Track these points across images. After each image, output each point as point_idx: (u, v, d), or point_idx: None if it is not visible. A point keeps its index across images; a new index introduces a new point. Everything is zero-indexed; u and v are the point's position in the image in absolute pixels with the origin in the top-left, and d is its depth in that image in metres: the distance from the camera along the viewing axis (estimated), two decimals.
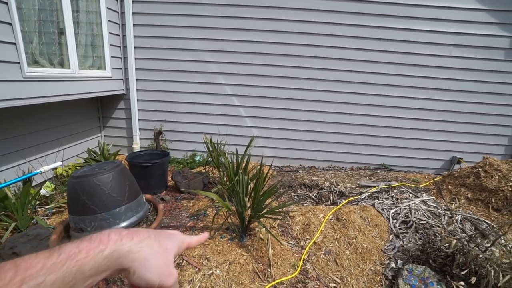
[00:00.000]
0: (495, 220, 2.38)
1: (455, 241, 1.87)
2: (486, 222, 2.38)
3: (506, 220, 2.25)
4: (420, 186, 3.15)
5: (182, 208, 2.72)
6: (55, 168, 2.83)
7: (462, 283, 1.68)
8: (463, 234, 2.25)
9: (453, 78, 3.69)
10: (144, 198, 2.21)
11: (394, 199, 2.73)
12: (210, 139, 3.26)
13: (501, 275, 1.56)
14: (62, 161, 2.64)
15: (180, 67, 3.78)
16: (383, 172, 3.77)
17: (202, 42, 3.66)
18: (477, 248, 1.82)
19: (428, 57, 3.65)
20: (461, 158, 3.98)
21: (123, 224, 1.87)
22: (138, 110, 3.94)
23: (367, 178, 3.38)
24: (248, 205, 2.14)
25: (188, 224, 2.41)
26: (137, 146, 4.02)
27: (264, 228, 1.96)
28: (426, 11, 3.49)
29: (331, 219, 2.41)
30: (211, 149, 3.20)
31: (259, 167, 2.11)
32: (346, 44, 3.61)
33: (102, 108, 3.93)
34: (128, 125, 4.01)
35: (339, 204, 2.66)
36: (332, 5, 3.48)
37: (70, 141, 3.32)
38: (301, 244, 2.21)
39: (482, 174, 2.80)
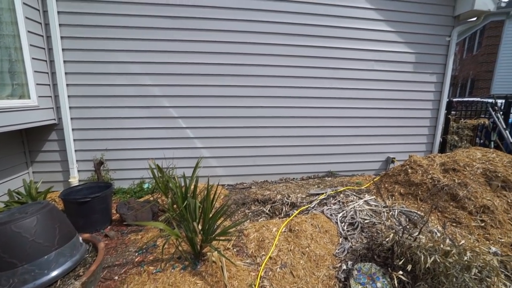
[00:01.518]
0: (422, 209, 2.71)
1: (392, 234, 2.06)
2: (416, 213, 2.68)
3: (428, 208, 2.57)
4: (363, 187, 3.43)
5: (129, 242, 2.50)
6: None
7: (400, 272, 1.85)
8: (399, 227, 2.49)
9: (377, 89, 4.21)
10: (81, 238, 1.98)
11: (340, 203, 2.91)
12: (157, 164, 3.12)
13: (428, 258, 1.76)
14: None
15: (118, 92, 3.59)
16: (330, 178, 4.03)
17: (141, 66, 3.56)
18: (410, 237, 2.03)
19: (356, 71, 4.12)
20: (394, 158, 4.48)
21: (54, 273, 1.64)
22: (74, 140, 3.60)
23: (316, 186, 3.56)
24: (200, 229, 2.07)
25: (136, 260, 2.21)
26: (75, 180, 3.62)
27: (216, 252, 1.91)
28: (352, 32, 3.98)
29: (285, 231, 2.46)
30: (158, 174, 3.06)
31: (206, 189, 2.08)
32: (286, 62, 3.87)
33: (28, 141, 3.48)
34: (63, 158, 3.61)
35: (291, 215, 2.74)
36: (267, 28, 3.74)
37: None
38: (257, 261, 2.20)
39: (409, 170, 3.18)
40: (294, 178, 4.19)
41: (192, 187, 2.47)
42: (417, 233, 1.90)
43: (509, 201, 2.70)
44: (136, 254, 2.29)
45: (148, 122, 3.73)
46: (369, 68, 4.13)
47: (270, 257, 2.21)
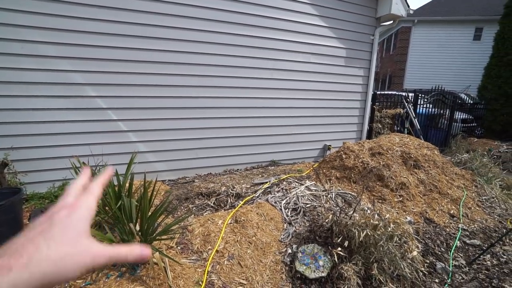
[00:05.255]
0: (355, 190, 3.01)
1: (331, 215, 2.22)
2: (351, 194, 2.96)
3: (360, 189, 2.87)
4: (304, 174, 3.63)
5: None
6: None
7: (339, 249, 2.01)
8: (337, 208, 2.71)
9: (314, 80, 4.47)
10: None
11: (284, 190, 3.02)
12: (82, 162, 2.71)
13: (361, 232, 1.95)
14: None
15: (28, 78, 2.98)
16: (273, 167, 4.15)
17: (57, 48, 3.01)
18: (346, 216, 2.22)
19: (295, 63, 4.28)
20: (330, 145, 4.86)
21: None
22: None
23: (260, 175, 3.62)
24: (137, 230, 1.87)
25: None
26: None
27: (158, 252, 1.75)
28: (290, 25, 4.09)
29: (231, 223, 2.42)
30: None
31: (143, 185, 1.88)
32: (229, 51, 3.76)
33: None
34: None
35: (237, 206, 2.72)
36: (214, 15, 3.56)
37: None
38: (203, 256, 2.11)
39: (343, 156, 3.48)
40: (238, 169, 4.18)
41: (127, 185, 2.21)
42: (351, 212, 2.08)
43: (419, 177, 3.20)
44: None
45: (69, 114, 3.20)
46: (306, 60, 4.34)
47: (217, 251, 2.15)
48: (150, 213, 1.86)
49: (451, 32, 14.31)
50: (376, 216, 2.03)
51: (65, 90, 3.14)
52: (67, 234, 0.32)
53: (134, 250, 0.36)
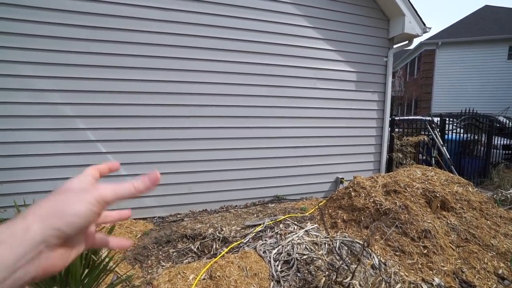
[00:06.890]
0: (366, 237, 2.45)
1: (323, 278, 1.72)
2: (358, 243, 2.41)
3: (370, 236, 2.32)
4: (307, 214, 3.14)
5: None
6: None
7: None
8: (340, 262, 2.18)
9: (322, 107, 4.10)
10: None
11: (278, 235, 2.55)
12: None
13: None
14: None
15: (18, 111, 2.96)
16: (273, 205, 3.68)
17: (48, 81, 3.00)
18: (344, 283, 1.71)
19: (299, 89, 3.97)
20: (343, 178, 4.32)
21: None
22: None
23: (255, 215, 3.18)
24: None
25: None
26: None
27: None
28: (292, 50, 3.86)
29: (204, 279, 2.00)
30: None
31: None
32: (226, 79, 3.57)
33: None
34: None
35: (219, 254, 2.29)
36: (209, 43, 3.45)
37: None
38: None
39: (352, 193, 2.96)
40: (236, 206, 3.76)
41: None
42: (349, 278, 1.58)
43: (449, 222, 2.58)
44: None
45: (58, 147, 3.11)
46: (312, 86, 4.02)
47: None
48: (86, 270, 1.52)
49: (481, 52, 13.44)
50: (383, 285, 1.51)
51: (56, 123, 3.08)
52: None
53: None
